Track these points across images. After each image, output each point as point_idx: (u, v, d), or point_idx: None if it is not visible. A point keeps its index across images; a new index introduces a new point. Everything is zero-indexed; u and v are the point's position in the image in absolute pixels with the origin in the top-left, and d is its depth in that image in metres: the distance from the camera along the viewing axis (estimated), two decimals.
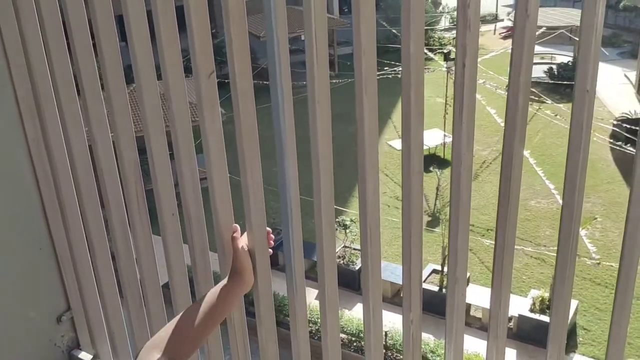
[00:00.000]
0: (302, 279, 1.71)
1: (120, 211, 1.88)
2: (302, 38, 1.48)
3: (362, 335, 10.18)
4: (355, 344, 10.60)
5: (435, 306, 10.46)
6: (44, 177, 1.98)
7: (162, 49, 1.53)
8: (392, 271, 12.01)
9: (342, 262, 12.83)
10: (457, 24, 1.35)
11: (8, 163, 1.94)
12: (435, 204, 15.28)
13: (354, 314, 11.39)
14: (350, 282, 12.22)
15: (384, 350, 10.53)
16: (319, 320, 1.72)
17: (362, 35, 1.37)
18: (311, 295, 9.36)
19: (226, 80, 1.52)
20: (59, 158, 1.92)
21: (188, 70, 1.50)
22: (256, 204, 1.62)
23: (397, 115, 18.55)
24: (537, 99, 19.67)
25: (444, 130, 17.20)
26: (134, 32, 1.56)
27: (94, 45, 1.69)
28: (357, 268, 12.50)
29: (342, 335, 11.09)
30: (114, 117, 1.73)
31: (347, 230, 12.88)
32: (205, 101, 1.53)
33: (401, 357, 9.57)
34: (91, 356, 2.32)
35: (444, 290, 11.77)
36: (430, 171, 15.55)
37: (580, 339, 11.76)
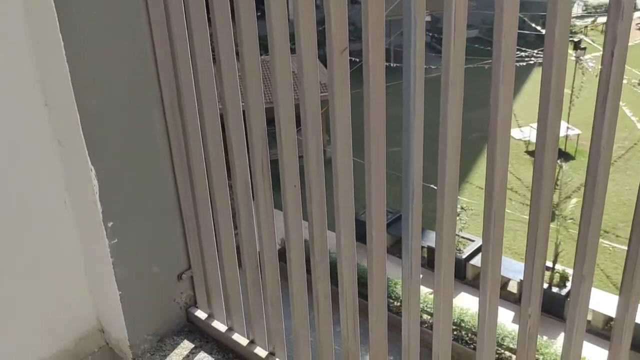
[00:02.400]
0: (418, 266, 1.69)
1: (245, 179, 1.92)
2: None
3: (462, 324, 10.05)
4: (455, 332, 10.45)
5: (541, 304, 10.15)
6: (177, 143, 2.06)
7: (298, 22, 1.54)
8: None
9: None
10: (608, 11, 1.27)
11: (145, 124, 2.02)
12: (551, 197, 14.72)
13: (456, 301, 11.24)
14: (457, 270, 12.07)
15: None
16: (428, 307, 1.69)
17: (505, 15, 1.31)
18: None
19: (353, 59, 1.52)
20: (191, 123, 1.99)
21: (322, 43, 1.50)
22: (377, 182, 1.61)
23: (517, 103, 17.97)
24: None
25: (567, 122, 16.49)
26: (272, 3, 1.58)
27: (232, 14, 1.72)
28: (463, 257, 12.31)
29: None
30: (247, 86, 1.76)
31: (457, 218, 12.67)
32: (336, 77, 1.53)
33: (503, 351, 9.39)
34: (206, 315, 2.40)
35: (553, 288, 11.42)
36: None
37: None
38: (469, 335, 10.02)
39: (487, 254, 1.54)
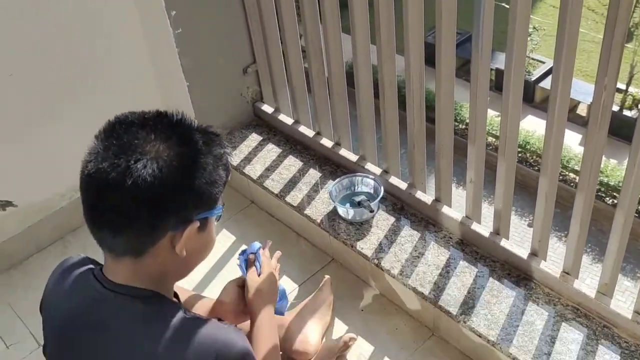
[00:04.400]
0: (486, 85, 1.69)
1: None
2: None
3: (527, 147, 10.04)
4: (519, 155, 10.48)
5: (611, 126, 9.92)
6: None
7: None
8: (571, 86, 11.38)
9: None
10: None
11: None
12: (632, 15, 13.87)
13: (523, 124, 11.14)
14: (525, 93, 11.83)
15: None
16: (494, 130, 1.71)
17: None
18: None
19: None
20: None
21: None
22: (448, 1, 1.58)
23: None
24: None
25: None
26: None
27: None
28: (533, 79, 11.99)
29: None
30: None
31: (528, 38, 12.17)
32: None
33: (567, 173, 9.42)
34: (273, 109, 2.49)
35: (624, 111, 11.11)
36: None
37: None
38: (534, 157, 10.02)
39: (558, 75, 1.52)
